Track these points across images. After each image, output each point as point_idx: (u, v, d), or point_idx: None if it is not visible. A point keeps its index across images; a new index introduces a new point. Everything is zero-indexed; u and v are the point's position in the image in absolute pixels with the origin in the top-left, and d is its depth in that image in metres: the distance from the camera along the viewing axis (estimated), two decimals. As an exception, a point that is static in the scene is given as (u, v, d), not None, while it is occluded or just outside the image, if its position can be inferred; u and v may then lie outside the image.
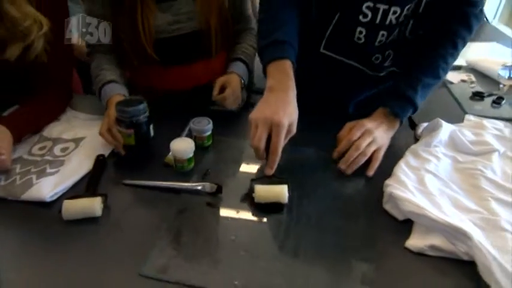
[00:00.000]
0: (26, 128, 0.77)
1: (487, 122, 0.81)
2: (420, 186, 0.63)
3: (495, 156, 0.71)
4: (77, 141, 0.77)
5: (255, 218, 0.60)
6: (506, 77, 1.03)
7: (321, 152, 0.75)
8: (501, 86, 1.02)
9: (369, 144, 0.69)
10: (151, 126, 0.73)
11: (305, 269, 0.50)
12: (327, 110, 0.84)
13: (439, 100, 0.97)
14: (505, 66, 1.04)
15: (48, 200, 0.61)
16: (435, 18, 0.72)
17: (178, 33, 0.84)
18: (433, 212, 0.55)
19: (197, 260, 0.51)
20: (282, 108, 0.62)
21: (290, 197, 0.60)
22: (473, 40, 1.32)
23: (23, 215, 0.61)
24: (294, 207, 0.61)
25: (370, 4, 0.69)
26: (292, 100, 0.65)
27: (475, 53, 1.25)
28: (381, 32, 0.74)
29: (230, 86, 0.84)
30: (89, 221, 0.58)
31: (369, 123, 0.71)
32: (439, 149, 0.72)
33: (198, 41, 0.86)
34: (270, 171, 0.63)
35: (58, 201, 0.62)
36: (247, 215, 0.60)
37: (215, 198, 0.63)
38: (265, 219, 0.59)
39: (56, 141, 0.77)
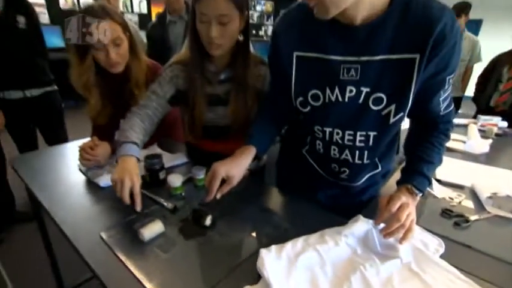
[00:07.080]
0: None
1: (419, 233, 0.84)
2: (292, 256, 0.76)
3: (391, 262, 0.76)
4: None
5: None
6: (490, 205, 0.96)
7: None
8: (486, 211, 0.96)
9: (407, 216, 0.78)
10: (161, 172, 1.12)
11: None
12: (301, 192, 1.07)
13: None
14: (491, 195, 0.97)
15: (102, 185, 1.11)
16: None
17: (216, 124, 1.29)
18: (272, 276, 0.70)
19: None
20: (226, 164, 0.91)
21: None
22: None
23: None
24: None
25: (319, 127, 0.95)
26: (239, 162, 0.93)
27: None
28: (332, 147, 0.95)
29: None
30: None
31: (403, 197, 0.82)
32: (345, 239, 0.82)
33: (227, 130, 1.29)
34: (209, 199, 0.91)
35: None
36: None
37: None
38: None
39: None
